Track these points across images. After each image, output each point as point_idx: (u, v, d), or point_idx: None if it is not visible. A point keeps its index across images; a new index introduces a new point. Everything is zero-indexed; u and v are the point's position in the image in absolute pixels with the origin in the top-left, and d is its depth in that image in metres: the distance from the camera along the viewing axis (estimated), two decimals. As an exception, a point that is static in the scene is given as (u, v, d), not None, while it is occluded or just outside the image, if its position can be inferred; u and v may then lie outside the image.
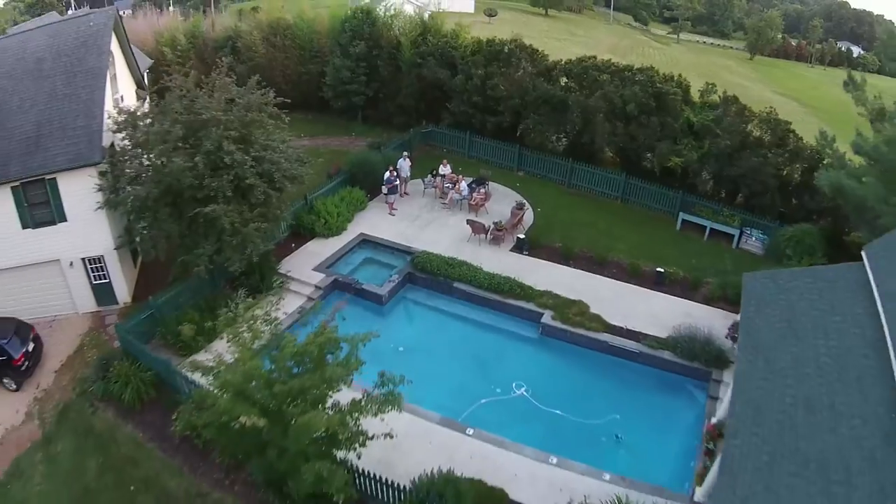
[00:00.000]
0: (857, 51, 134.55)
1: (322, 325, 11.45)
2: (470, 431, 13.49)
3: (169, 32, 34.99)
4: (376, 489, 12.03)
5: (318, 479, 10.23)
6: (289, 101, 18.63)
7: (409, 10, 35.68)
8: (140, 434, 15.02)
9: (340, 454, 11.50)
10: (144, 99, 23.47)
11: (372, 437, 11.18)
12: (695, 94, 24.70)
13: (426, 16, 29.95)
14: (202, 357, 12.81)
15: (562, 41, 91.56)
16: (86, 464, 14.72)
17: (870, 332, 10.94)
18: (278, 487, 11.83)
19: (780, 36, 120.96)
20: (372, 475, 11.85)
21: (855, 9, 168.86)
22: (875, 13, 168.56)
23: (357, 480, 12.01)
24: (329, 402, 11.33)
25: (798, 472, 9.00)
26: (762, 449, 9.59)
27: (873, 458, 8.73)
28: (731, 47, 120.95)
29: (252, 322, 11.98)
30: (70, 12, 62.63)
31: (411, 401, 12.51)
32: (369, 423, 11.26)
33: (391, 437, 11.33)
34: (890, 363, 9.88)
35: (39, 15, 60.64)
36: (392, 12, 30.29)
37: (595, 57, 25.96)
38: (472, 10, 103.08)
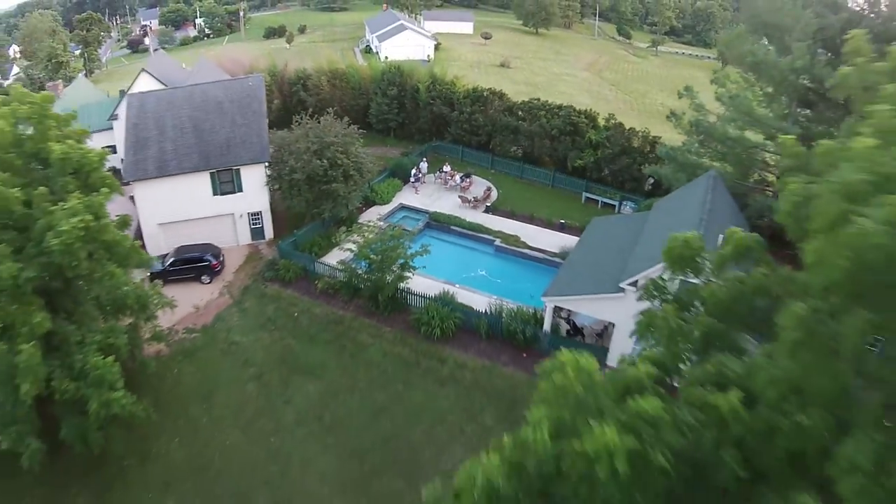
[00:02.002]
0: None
1: (397, 228, 27.35)
2: (457, 286, 29.20)
3: (257, 71, 50.69)
4: (412, 300, 27.75)
5: (394, 286, 26.09)
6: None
7: (416, 45, 51.59)
8: (296, 293, 30.61)
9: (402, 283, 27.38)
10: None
11: (410, 277, 27.01)
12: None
13: (435, 70, 45.77)
14: (325, 259, 28.77)
15: (546, 61, 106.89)
16: (265, 309, 30.31)
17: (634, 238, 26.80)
18: (375, 299, 27.63)
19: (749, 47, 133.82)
20: (410, 290, 27.65)
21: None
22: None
23: (405, 295, 27.78)
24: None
25: (582, 274, 24.82)
26: (569, 271, 25.44)
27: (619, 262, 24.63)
28: (709, 57, 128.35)
29: (354, 235, 27.85)
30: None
31: (426, 272, 28.23)
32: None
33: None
34: (630, 251, 25.74)
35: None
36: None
37: (539, 99, 41.83)
38: (471, 32, 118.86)
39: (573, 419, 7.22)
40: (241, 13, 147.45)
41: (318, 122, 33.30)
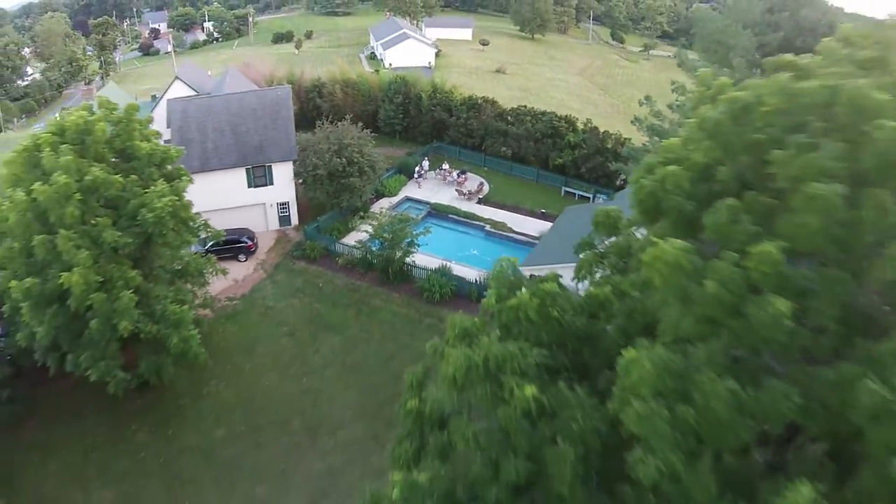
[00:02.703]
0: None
1: (405, 215, 33.50)
2: (453, 262, 35.22)
3: (276, 79, 56.92)
4: (416, 272, 33.88)
5: (401, 261, 32.24)
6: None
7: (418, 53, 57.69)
8: (320, 268, 36.71)
9: (408, 259, 33.53)
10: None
11: (415, 253, 33.19)
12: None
13: (436, 79, 51.96)
14: (344, 240, 34.98)
15: (541, 66, 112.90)
16: (294, 281, 36.52)
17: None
18: (386, 271, 33.77)
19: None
20: (415, 264, 33.80)
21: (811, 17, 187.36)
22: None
23: (410, 268, 33.93)
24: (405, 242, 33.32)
25: (552, 249, 30.94)
26: (542, 247, 31.56)
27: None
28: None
29: (368, 221, 34.02)
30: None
31: (428, 251, 34.37)
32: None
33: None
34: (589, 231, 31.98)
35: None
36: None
37: (526, 106, 47.95)
38: (470, 38, 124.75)
39: (510, 292, 13.23)
40: (250, 19, 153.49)
41: (337, 127, 39.43)
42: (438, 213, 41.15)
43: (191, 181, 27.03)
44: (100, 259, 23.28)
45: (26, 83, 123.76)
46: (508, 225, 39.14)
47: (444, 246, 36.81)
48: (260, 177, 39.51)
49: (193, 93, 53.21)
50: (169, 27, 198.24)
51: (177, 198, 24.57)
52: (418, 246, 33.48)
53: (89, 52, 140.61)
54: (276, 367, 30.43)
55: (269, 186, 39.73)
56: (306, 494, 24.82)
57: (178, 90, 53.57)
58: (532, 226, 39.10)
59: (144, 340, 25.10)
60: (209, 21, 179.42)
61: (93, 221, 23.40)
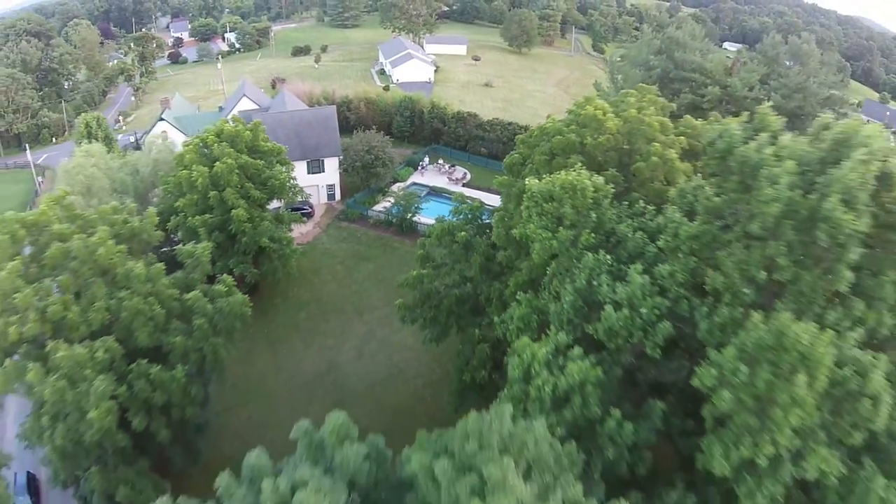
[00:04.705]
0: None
1: (412, 192, 53.43)
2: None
3: (316, 97, 76.66)
4: (420, 227, 53.72)
5: (411, 220, 52.13)
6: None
7: (420, 70, 78.06)
8: (357, 226, 56.63)
9: (415, 219, 53.48)
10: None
11: (419, 212, 53.12)
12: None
13: (434, 98, 71.87)
14: (374, 208, 55.01)
15: (523, 79, 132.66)
16: (341, 233, 56.55)
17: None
18: (401, 227, 53.63)
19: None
20: (419, 223, 53.69)
21: (802, 26, 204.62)
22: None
23: (416, 224, 53.85)
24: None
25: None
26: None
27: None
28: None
29: (389, 196, 53.91)
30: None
31: (427, 215, 54.17)
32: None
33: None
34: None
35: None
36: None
37: (500, 118, 67.69)
38: (464, 53, 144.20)
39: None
40: (272, 33, 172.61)
41: (366, 133, 59.19)
42: (435, 192, 60.90)
43: (293, 167, 46.72)
44: (247, 206, 42.96)
45: (78, 89, 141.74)
46: (483, 200, 58.86)
47: (437, 211, 56.44)
48: (315, 167, 59.25)
49: (256, 106, 72.87)
50: (191, 36, 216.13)
51: (287, 175, 44.36)
52: (420, 210, 53.16)
53: (121, 59, 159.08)
54: (333, 280, 50.24)
55: (322, 173, 59.46)
56: (356, 342, 44.50)
57: (245, 104, 73.23)
58: (496, 199, 58.84)
59: (266, 252, 44.54)
60: (231, 32, 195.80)
61: (244, 185, 43.11)
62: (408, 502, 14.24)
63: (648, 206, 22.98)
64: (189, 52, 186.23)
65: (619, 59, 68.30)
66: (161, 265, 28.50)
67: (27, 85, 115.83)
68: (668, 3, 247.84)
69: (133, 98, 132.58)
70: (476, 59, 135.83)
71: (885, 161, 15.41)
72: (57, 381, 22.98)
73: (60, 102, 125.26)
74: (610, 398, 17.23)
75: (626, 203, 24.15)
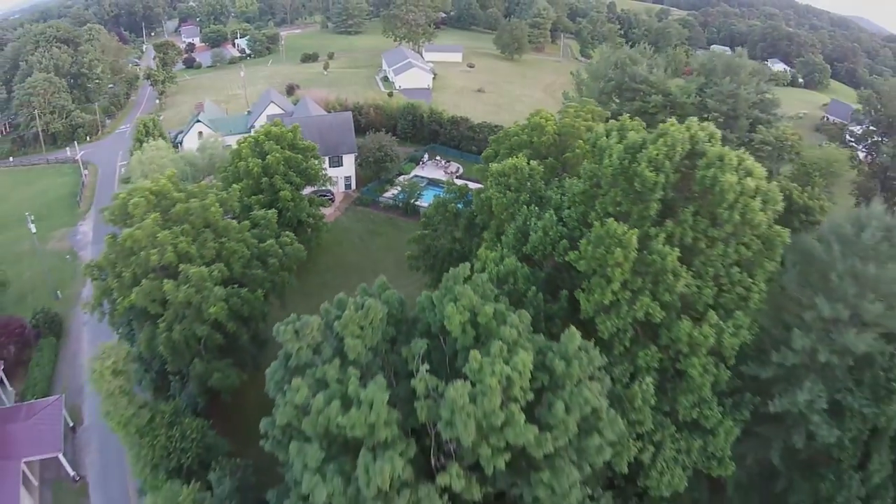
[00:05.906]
0: (782, 66, 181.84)
1: (415, 182, 66.90)
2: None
3: (331, 102, 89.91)
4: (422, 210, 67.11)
5: (414, 204, 65.50)
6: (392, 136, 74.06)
7: (420, 77, 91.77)
8: (370, 209, 70.16)
9: (417, 203, 66.91)
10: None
11: (421, 197, 66.55)
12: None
13: (432, 104, 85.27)
14: (383, 195, 68.54)
15: (513, 84, 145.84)
16: (357, 215, 70.34)
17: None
18: (406, 209, 66.99)
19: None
20: (421, 206, 67.12)
21: (788, 30, 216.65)
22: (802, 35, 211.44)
23: (418, 208, 67.28)
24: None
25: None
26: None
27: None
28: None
29: (396, 185, 67.37)
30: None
31: (426, 199, 67.54)
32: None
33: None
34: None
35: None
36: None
37: (488, 122, 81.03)
38: (460, 61, 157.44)
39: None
40: (282, 40, 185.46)
41: (376, 134, 72.56)
42: (433, 182, 74.31)
43: (323, 161, 60.01)
44: (290, 189, 56.21)
45: (105, 92, 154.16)
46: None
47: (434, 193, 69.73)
48: (336, 162, 72.55)
49: (282, 111, 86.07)
50: (202, 41, 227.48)
51: (319, 165, 57.70)
52: (421, 196, 66.53)
53: (136, 63, 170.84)
54: (353, 251, 63.64)
55: (341, 167, 72.76)
56: (374, 294, 57.81)
57: (273, 109, 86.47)
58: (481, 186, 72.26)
59: (303, 226, 57.70)
60: (241, 38, 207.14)
61: (287, 174, 56.36)
62: (417, 327, 27.65)
63: (570, 179, 36.23)
64: (202, 57, 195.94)
65: (584, 73, 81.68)
66: (246, 222, 41.80)
67: (61, 88, 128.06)
68: (658, 7, 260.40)
69: (157, 101, 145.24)
70: (471, 66, 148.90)
71: (693, 145, 28.42)
72: (188, 289, 36.05)
73: (90, 104, 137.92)
74: (537, 288, 30.40)
75: (557, 178, 37.44)
